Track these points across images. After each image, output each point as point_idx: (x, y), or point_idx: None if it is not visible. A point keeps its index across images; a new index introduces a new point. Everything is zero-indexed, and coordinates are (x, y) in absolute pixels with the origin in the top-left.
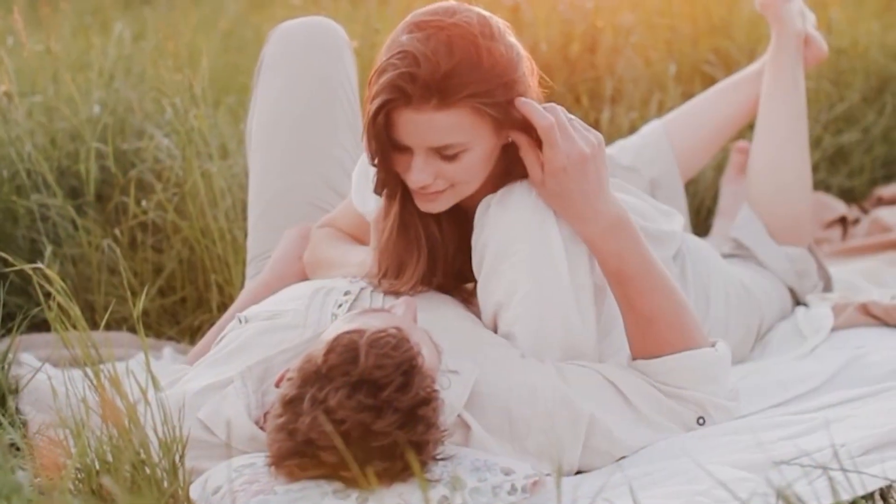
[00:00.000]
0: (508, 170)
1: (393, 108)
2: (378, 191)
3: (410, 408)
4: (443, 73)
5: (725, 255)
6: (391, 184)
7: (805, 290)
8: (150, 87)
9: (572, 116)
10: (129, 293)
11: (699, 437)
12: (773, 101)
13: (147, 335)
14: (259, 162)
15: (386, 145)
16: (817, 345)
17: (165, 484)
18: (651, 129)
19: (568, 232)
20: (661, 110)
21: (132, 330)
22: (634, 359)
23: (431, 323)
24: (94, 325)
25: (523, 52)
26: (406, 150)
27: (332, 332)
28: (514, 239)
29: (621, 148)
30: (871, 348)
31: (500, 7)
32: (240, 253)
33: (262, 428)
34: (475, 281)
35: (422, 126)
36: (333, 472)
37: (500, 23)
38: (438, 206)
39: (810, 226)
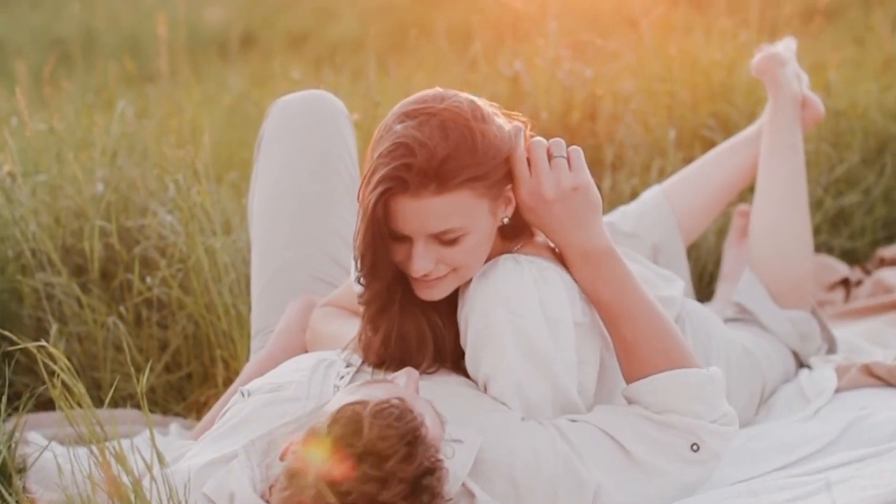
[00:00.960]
0: (503, 248)
1: (391, 197)
2: (370, 283)
3: (415, 478)
4: (440, 158)
5: (728, 320)
6: (385, 276)
7: (808, 352)
8: (153, 164)
9: (563, 155)
10: (132, 370)
11: (707, 500)
12: (771, 165)
13: (153, 411)
14: (261, 236)
15: (384, 236)
16: (821, 407)
17: None
18: (651, 195)
19: (552, 305)
20: (662, 176)
21: (138, 407)
22: (627, 384)
23: (432, 391)
24: (100, 403)
25: (513, 132)
26: (405, 239)
27: (335, 403)
28: (495, 312)
29: (623, 214)
30: (875, 409)
31: (501, 77)
32: (244, 327)
33: (267, 501)
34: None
35: (421, 213)
36: None
37: (488, 105)
38: (440, 292)
39: (812, 288)
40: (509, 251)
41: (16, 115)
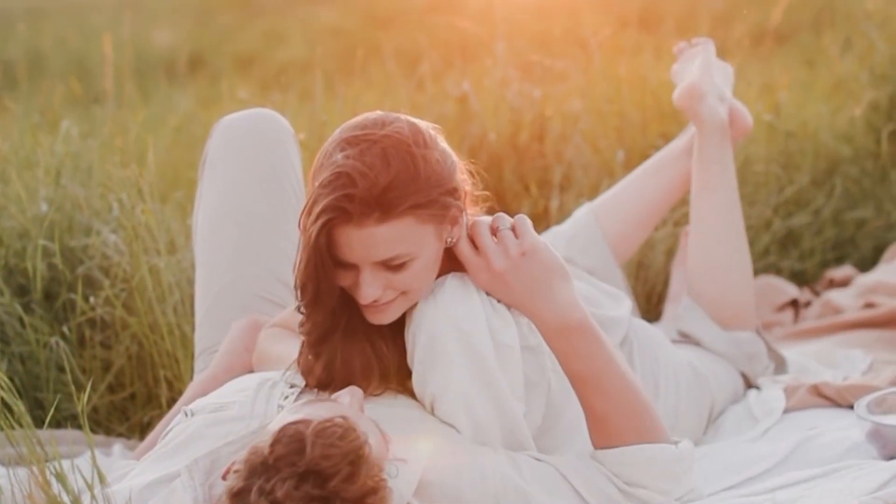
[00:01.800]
0: (450, 268)
1: (334, 227)
2: (312, 312)
3: (358, 498)
4: (381, 187)
5: (675, 342)
6: (328, 304)
7: (756, 372)
8: (98, 183)
9: (507, 227)
10: (74, 390)
11: None
12: (704, 198)
13: (96, 432)
14: (206, 256)
15: (328, 264)
16: (769, 427)
17: None
18: (582, 215)
19: (500, 328)
20: None
21: (80, 427)
22: (597, 448)
23: (377, 412)
24: (42, 423)
25: (455, 158)
26: (351, 266)
27: (277, 422)
28: (444, 332)
29: (555, 235)
30: (824, 429)
31: (448, 98)
32: (188, 348)
33: None
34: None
35: (365, 241)
36: None
37: (430, 129)
38: (390, 316)
39: (754, 311)
40: (456, 270)
41: None
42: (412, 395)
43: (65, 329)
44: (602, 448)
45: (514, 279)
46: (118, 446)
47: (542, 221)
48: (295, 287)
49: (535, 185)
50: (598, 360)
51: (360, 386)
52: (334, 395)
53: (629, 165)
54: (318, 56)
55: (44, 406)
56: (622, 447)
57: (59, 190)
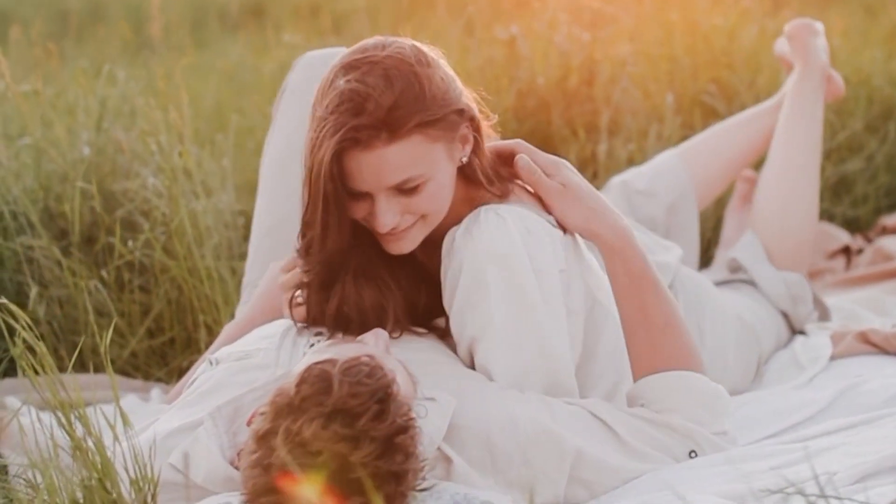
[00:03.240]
0: (468, 194)
1: (343, 153)
2: (324, 249)
3: (388, 437)
4: (386, 107)
5: (720, 282)
6: (343, 240)
7: (800, 316)
8: (140, 127)
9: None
10: (94, 335)
11: (687, 468)
12: (790, 128)
13: (135, 377)
14: (267, 187)
15: (341, 194)
16: (815, 374)
17: None
18: (666, 158)
19: (539, 257)
20: (660, 141)
21: (122, 372)
22: (636, 379)
23: (410, 357)
24: (83, 368)
25: (459, 83)
26: (364, 196)
27: (303, 364)
28: (483, 269)
29: (636, 174)
30: (870, 376)
31: (496, 42)
32: (227, 292)
33: (236, 467)
34: (444, 316)
35: (375, 165)
36: None
37: (433, 51)
38: (410, 243)
39: (810, 256)
40: (482, 200)
41: (1, 78)
42: (435, 334)
43: (104, 273)
44: (647, 374)
45: (579, 192)
46: (156, 391)
47: (588, 166)
48: (303, 225)
49: (582, 129)
50: (648, 284)
51: (378, 312)
52: (359, 338)
53: (679, 110)
54: (370, 3)
55: (82, 350)
56: (664, 372)
57: (102, 134)
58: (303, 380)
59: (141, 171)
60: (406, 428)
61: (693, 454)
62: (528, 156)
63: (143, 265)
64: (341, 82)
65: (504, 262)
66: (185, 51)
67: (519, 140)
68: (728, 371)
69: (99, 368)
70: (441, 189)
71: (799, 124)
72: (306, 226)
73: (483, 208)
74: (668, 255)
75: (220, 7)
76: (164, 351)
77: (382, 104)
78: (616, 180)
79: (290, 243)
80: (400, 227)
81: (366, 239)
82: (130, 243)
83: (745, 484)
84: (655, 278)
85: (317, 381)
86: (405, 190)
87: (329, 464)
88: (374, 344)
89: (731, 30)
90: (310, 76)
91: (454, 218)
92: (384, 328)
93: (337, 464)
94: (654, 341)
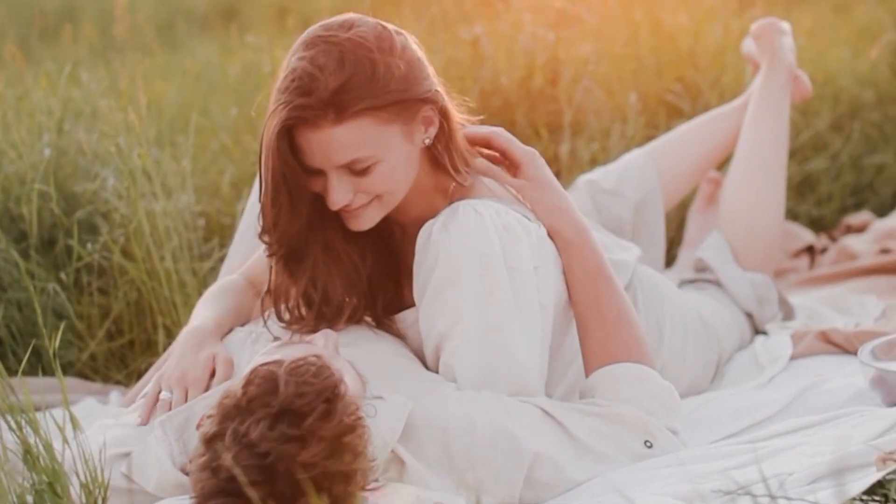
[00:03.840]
0: (438, 182)
1: (293, 130)
2: (287, 226)
3: (336, 436)
4: (332, 89)
5: (685, 282)
6: (302, 214)
7: (765, 317)
8: (101, 128)
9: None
10: (44, 337)
11: (640, 469)
12: (756, 128)
13: (94, 379)
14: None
15: (294, 167)
16: (775, 374)
17: None
18: (634, 157)
19: (515, 254)
20: (623, 141)
21: (81, 375)
22: (588, 373)
23: (363, 359)
24: (43, 371)
25: (430, 69)
26: (319, 172)
27: (251, 366)
28: (458, 267)
29: (604, 173)
30: (829, 376)
31: (460, 42)
32: (187, 294)
33: (187, 473)
34: (405, 309)
35: (324, 144)
36: None
37: (403, 37)
38: (366, 221)
39: (777, 256)
40: (457, 192)
41: None
42: (393, 333)
43: (62, 275)
44: (599, 367)
45: (544, 187)
46: (115, 394)
47: (552, 166)
48: (262, 206)
49: (545, 129)
50: (603, 280)
51: (343, 307)
52: (308, 338)
53: (644, 110)
54: (335, 4)
55: (40, 353)
56: (615, 364)
57: (63, 135)
58: (249, 381)
59: (101, 172)
60: (354, 427)
61: (648, 444)
62: (504, 145)
63: (102, 267)
64: (295, 59)
65: (480, 261)
66: (153, 52)
67: (496, 129)
68: (687, 369)
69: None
70: (394, 171)
71: (765, 124)
72: (272, 202)
73: (461, 203)
74: (626, 254)
75: (190, 9)
76: (124, 353)
77: (329, 86)
78: (583, 179)
79: None
80: (354, 204)
81: (336, 222)
82: (89, 245)
83: (694, 485)
84: (610, 275)
85: (263, 381)
86: (356, 170)
87: (277, 464)
88: (323, 345)
89: (696, 29)
90: None
91: (427, 207)
92: (343, 315)
93: (285, 464)
94: (607, 336)
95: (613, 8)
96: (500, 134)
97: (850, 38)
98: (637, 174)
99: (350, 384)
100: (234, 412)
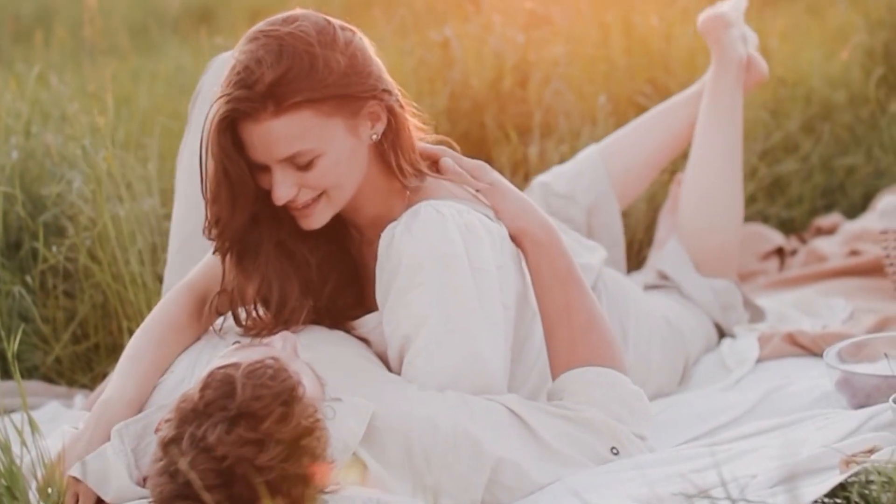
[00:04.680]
0: (391, 184)
1: (234, 123)
2: (231, 221)
3: (294, 439)
4: (268, 81)
5: (650, 286)
6: (246, 208)
7: (730, 322)
8: (66, 131)
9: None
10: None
11: (601, 472)
12: (708, 132)
13: (59, 383)
14: (185, 191)
15: (235, 158)
16: (742, 376)
17: None
18: (586, 156)
19: (478, 254)
20: (593, 143)
21: (46, 378)
22: (556, 377)
23: (324, 361)
24: (6, 375)
25: (378, 63)
26: (266, 169)
27: (208, 369)
28: (421, 267)
29: (557, 175)
30: (795, 378)
31: (430, 43)
32: (152, 298)
33: (143, 486)
34: (367, 313)
35: (264, 137)
36: None
37: (349, 33)
38: (315, 219)
39: (737, 259)
40: (416, 195)
41: None
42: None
43: (27, 278)
44: (568, 370)
45: (506, 191)
46: (80, 397)
47: (520, 168)
48: (207, 203)
49: (515, 131)
50: (573, 282)
51: (300, 308)
52: (266, 340)
53: (615, 112)
54: (305, 5)
55: (4, 356)
56: (585, 367)
57: (31, 138)
58: (206, 385)
59: (67, 175)
60: (312, 430)
61: (615, 450)
62: (452, 160)
63: (67, 270)
64: (237, 54)
65: (443, 262)
66: (125, 55)
67: (443, 147)
68: (653, 372)
69: (24, 374)
70: (337, 165)
71: (717, 126)
72: (214, 198)
73: (423, 204)
74: (591, 257)
75: (163, 12)
76: (89, 357)
77: (267, 78)
78: (537, 181)
79: (208, 249)
80: (299, 200)
81: (289, 222)
82: (55, 248)
83: (653, 489)
84: (580, 277)
85: (220, 385)
86: (298, 165)
87: (235, 468)
88: (281, 347)
89: (668, 31)
90: (221, 76)
91: (384, 209)
92: (300, 316)
93: (243, 468)
94: (576, 339)
95: (584, 9)
96: (447, 151)
97: (823, 40)
98: (589, 175)
99: (308, 386)
100: (191, 416)
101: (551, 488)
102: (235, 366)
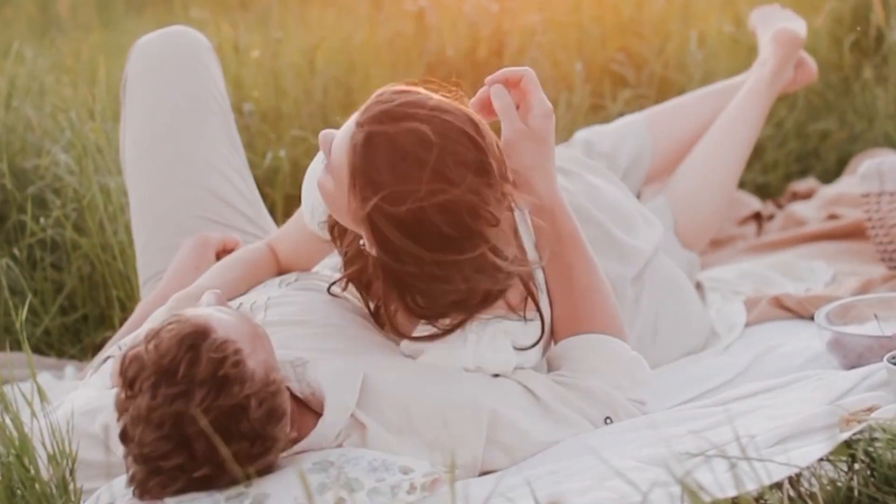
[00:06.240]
0: None
1: None
2: None
3: (212, 374)
4: None
5: None
6: None
7: None
8: (50, 104)
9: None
10: (8, 313)
11: (605, 433)
12: (736, 120)
13: (48, 354)
14: (137, 183)
15: None
16: (731, 342)
17: (57, 501)
18: (630, 122)
19: None
20: (570, 110)
21: (35, 350)
22: (558, 341)
23: (327, 333)
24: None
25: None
26: None
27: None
28: None
29: (600, 133)
30: (785, 340)
31: (405, 14)
32: None
33: None
34: None
35: None
36: (199, 477)
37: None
38: None
39: (711, 236)
40: None
41: None
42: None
43: (15, 251)
44: (569, 336)
45: (539, 142)
46: (70, 368)
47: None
48: None
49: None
50: (576, 246)
51: None
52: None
53: (589, 79)
54: None
55: (7, 328)
56: (586, 334)
57: (11, 112)
58: (123, 371)
59: (52, 148)
60: (224, 359)
61: (608, 420)
62: (530, 88)
63: (55, 242)
64: None
65: None
66: (92, 29)
67: (528, 70)
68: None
69: (14, 347)
70: None
71: (743, 122)
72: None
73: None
74: (646, 237)
75: None
76: (78, 328)
77: None
78: (579, 136)
79: (179, 232)
80: None
81: None
82: (42, 220)
83: (666, 448)
84: (583, 242)
85: (133, 362)
86: None
87: (175, 427)
88: (206, 301)
89: None
90: (144, 63)
91: None
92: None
93: (181, 423)
94: (576, 304)
95: None
96: (530, 78)
97: (793, 6)
98: (632, 141)
99: (220, 326)
100: (124, 404)
101: (566, 445)
102: (144, 339)
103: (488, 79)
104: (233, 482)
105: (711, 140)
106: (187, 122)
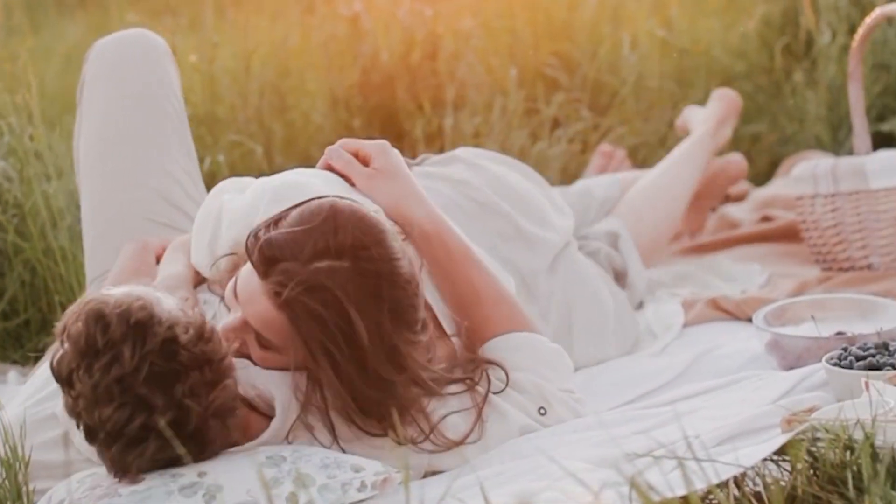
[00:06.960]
0: None
1: None
2: None
3: (126, 328)
4: None
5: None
6: None
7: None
8: None
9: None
10: None
11: (550, 434)
12: (684, 155)
13: None
14: (89, 183)
15: None
16: (669, 342)
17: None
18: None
19: None
20: (505, 115)
21: None
22: (477, 350)
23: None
24: None
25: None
26: None
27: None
28: None
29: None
30: (723, 342)
31: (339, 18)
32: (82, 273)
33: None
34: None
35: None
36: (170, 425)
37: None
38: None
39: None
40: None
41: None
42: None
43: None
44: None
45: (392, 177)
46: (13, 373)
47: (436, 140)
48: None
49: (428, 103)
50: (472, 262)
51: None
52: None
53: (522, 83)
54: None
55: None
56: (507, 334)
57: None
58: (56, 379)
59: None
60: (128, 309)
61: (542, 411)
62: (354, 146)
63: None
64: None
65: None
66: (24, 34)
67: (340, 142)
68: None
69: None
70: None
71: (687, 163)
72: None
73: None
74: (556, 227)
75: None
76: (20, 333)
77: None
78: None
79: (127, 232)
80: None
81: None
82: None
83: (612, 448)
84: (477, 256)
85: (59, 365)
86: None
87: (116, 396)
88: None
89: (571, 1)
90: (101, 65)
91: None
92: None
93: (118, 388)
94: (488, 314)
95: None
96: (346, 143)
97: (720, 9)
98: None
99: (119, 291)
100: (73, 405)
101: (514, 445)
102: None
103: (319, 164)
104: (203, 425)
105: (656, 173)
106: (142, 125)
